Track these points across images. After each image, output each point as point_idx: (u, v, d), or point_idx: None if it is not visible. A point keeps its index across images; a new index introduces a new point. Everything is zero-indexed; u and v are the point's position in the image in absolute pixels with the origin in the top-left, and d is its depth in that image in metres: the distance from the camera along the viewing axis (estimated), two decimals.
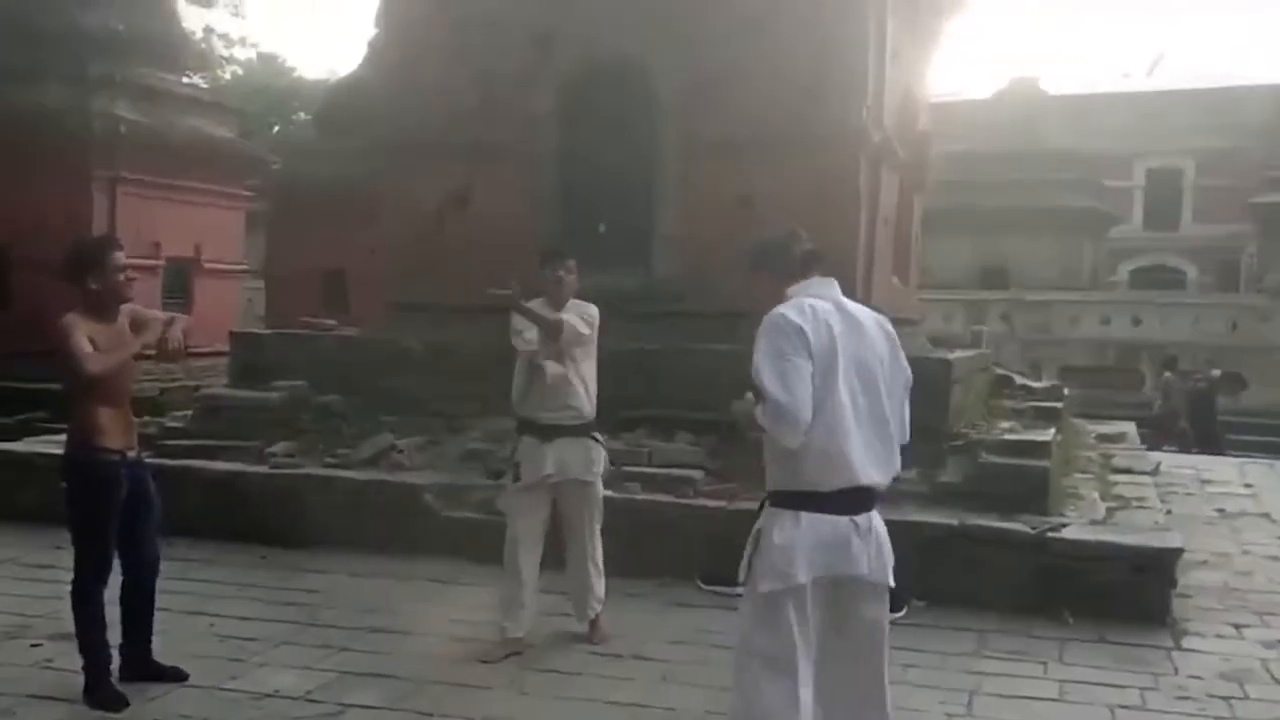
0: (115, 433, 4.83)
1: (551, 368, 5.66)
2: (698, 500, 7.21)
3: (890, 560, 3.54)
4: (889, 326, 3.70)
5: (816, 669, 3.47)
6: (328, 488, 7.84)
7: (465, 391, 8.78)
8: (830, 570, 3.43)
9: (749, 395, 3.55)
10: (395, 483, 7.80)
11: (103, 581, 4.88)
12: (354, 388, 9.11)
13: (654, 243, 9.23)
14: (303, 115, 35.68)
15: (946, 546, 6.66)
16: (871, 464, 3.47)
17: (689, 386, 8.06)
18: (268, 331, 11.47)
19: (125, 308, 4.92)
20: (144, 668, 5.04)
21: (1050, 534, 6.69)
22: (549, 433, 5.67)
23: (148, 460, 5.37)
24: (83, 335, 4.67)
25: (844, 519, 3.44)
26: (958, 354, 9.20)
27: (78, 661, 5.24)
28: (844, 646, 3.52)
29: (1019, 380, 11.39)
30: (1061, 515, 7.20)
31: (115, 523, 4.82)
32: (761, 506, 3.62)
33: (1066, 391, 11.77)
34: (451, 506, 7.61)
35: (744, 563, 3.55)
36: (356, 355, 9.40)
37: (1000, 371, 11.63)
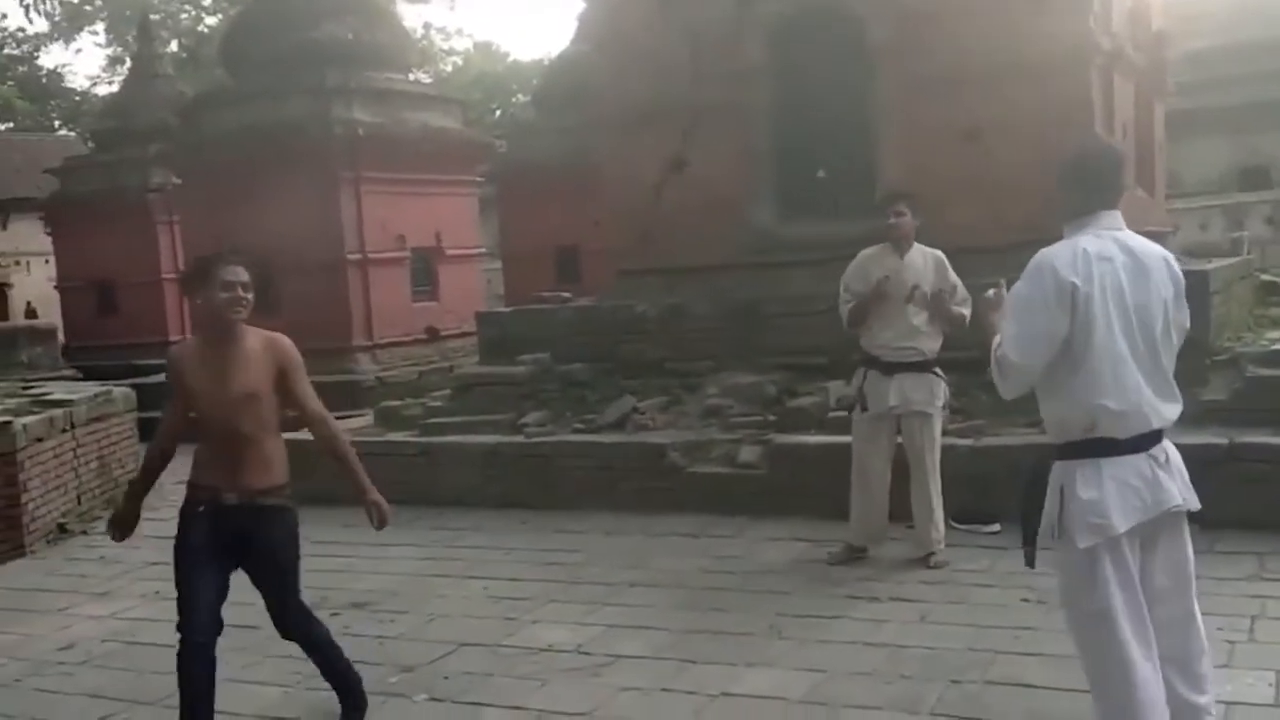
0: (208, 472, 4.19)
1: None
2: (945, 439, 7.08)
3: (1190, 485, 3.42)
4: (1177, 267, 3.48)
5: (1144, 614, 3.32)
6: (578, 453, 8.19)
7: (698, 350, 8.97)
8: (1146, 513, 3.31)
9: (1002, 283, 3.56)
10: (640, 443, 8.05)
11: (195, 634, 4.08)
12: (593, 355, 9.45)
13: (878, 186, 9.07)
14: (522, 97, 36.76)
15: (1217, 468, 6.30)
16: (1161, 406, 3.36)
17: None
18: (509, 309, 11.99)
19: (264, 340, 4.29)
20: None
21: None
22: (891, 368, 6.04)
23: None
24: (174, 384, 4.21)
25: (1142, 456, 3.33)
26: (1215, 264, 8.63)
27: (373, 628, 5.74)
28: (1163, 584, 3.38)
29: None
30: None
31: (198, 568, 4.11)
32: (1040, 460, 3.51)
33: None
34: (696, 462, 7.80)
35: (1049, 520, 3.38)
36: (592, 324, 9.72)
37: (1266, 278, 10.80)
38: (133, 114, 19.82)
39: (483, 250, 17.95)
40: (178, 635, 4.09)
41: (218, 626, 4.15)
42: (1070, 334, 3.25)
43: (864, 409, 6.21)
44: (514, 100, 39.84)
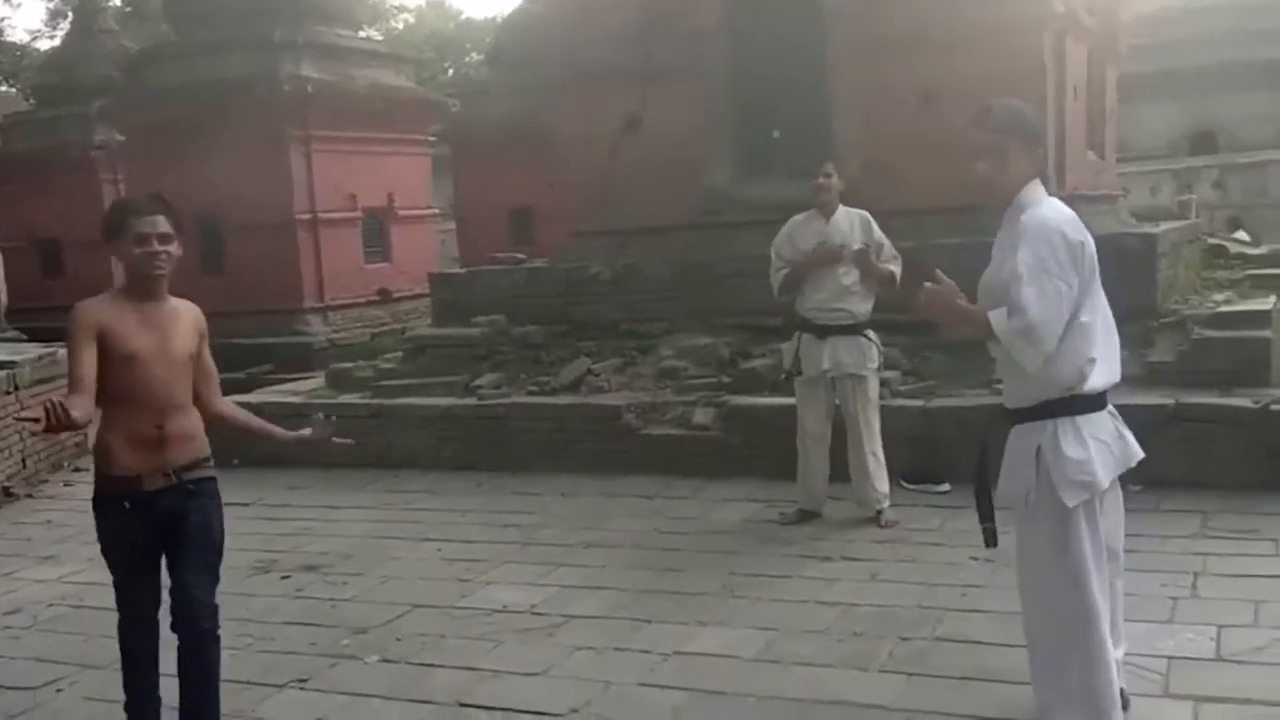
0: (130, 456, 3.67)
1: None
2: (895, 400, 7.14)
3: None
4: None
5: (1105, 572, 3.40)
6: (533, 414, 8.17)
7: (653, 311, 8.96)
8: (1117, 468, 3.38)
9: (929, 286, 3.39)
10: (595, 405, 8.05)
11: (134, 623, 3.86)
12: (548, 317, 9.42)
13: (832, 147, 9.06)
14: (475, 56, 36.35)
15: (1162, 428, 6.41)
16: (1118, 365, 3.44)
17: None
18: (462, 271, 11.90)
19: (186, 306, 3.81)
20: None
21: (1275, 406, 6.34)
22: (824, 331, 6.09)
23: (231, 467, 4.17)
24: (84, 344, 3.54)
25: (1106, 413, 3.40)
26: (1164, 226, 8.73)
27: (325, 591, 5.71)
28: (1109, 530, 3.46)
29: (1234, 249, 10.71)
30: None
31: (131, 559, 3.76)
32: (998, 420, 3.55)
33: None
34: (651, 424, 7.81)
35: (1024, 485, 3.36)
36: (547, 285, 9.67)
37: (1213, 241, 10.96)
38: (75, 69, 19.39)
39: (436, 211, 17.80)
40: (117, 612, 3.84)
41: (158, 605, 3.85)
42: (1076, 293, 3.25)
43: (799, 373, 6.27)
44: (467, 59, 39.38)
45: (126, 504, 3.69)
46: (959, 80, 8.28)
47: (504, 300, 9.72)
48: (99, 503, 3.76)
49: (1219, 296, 8.30)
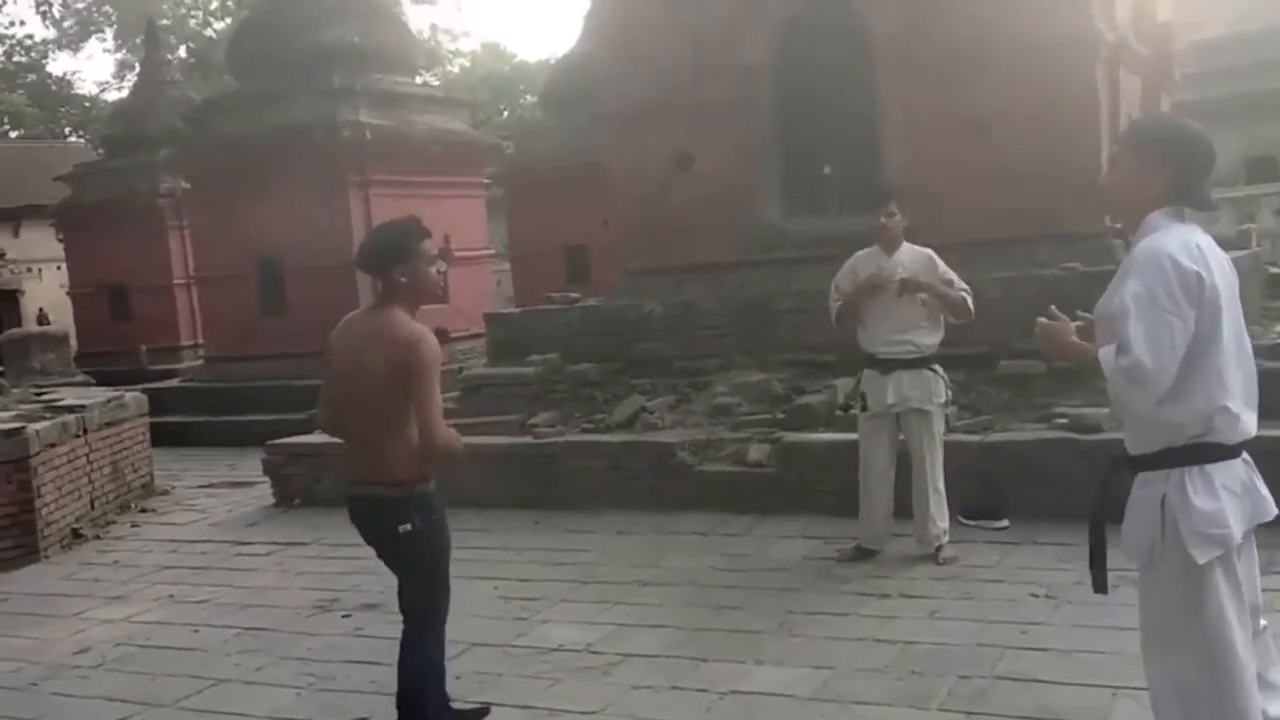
0: (347, 465, 4.15)
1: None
2: (953, 435, 7.09)
3: None
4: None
5: (1250, 632, 3.04)
6: (588, 452, 8.20)
7: (706, 348, 8.99)
8: (1251, 521, 3.02)
9: (1054, 310, 3.20)
10: (650, 443, 8.06)
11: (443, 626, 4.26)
12: (602, 355, 9.48)
13: (882, 180, 9.07)
14: (529, 98, 36.81)
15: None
16: (1251, 413, 3.06)
17: None
18: (517, 310, 12.02)
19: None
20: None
21: None
22: (890, 366, 6.06)
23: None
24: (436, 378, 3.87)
25: (1239, 461, 3.03)
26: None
27: (384, 630, 5.77)
28: (1247, 584, 3.08)
29: None
30: None
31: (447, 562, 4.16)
32: (1121, 468, 3.15)
33: None
34: (705, 461, 7.81)
35: (1149, 539, 3.00)
36: (601, 324, 9.74)
37: (1275, 270, 10.78)
38: (142, 119, 19.92)
39: (491, 252, 17.99)
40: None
41: None
42: (1196, 330, 2.93)
43: (864, 408, 6.23)
44: (521, 101, 39.90)
45: (435, 500, 4.00)
46: (1010, 108, 8.29)
47: (558, 339, 9.80)
48: (431, 500, 3.98)
49: None
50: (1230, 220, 19.28)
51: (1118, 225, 3.26)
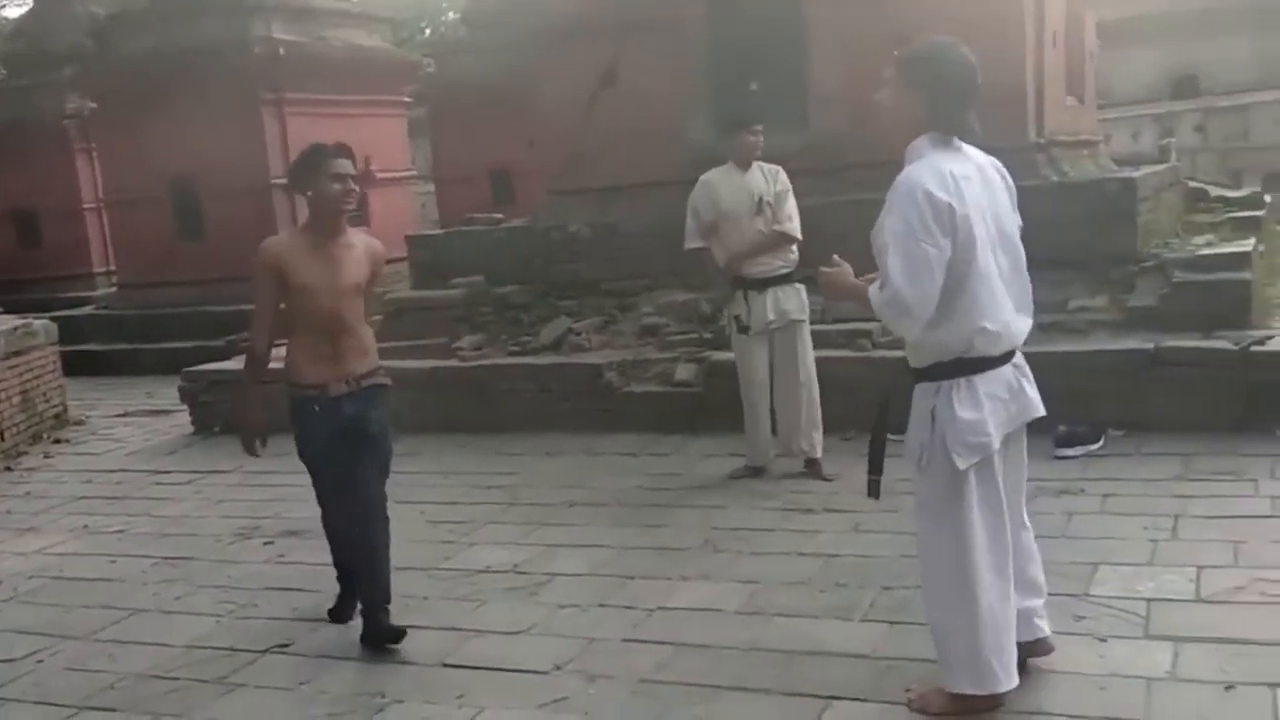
0: (314, 369, 4.36)
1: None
2: (876, 353, 7.12)
3: None
4: (1004, 171, 3.47)
5: (1006, 534, 3.36)
6: (515, 375, 8.13)
7: (633, 269, 8.90)
8: (1014, 423, 3.35)
9: (836, 258, 3.45)
10: (577, 364, 8.01)
11: (342, 511, 4.56)
12: (528, 277, 9.35)
13: (809, 98, 8.98)
14: (452, 15, 35.94)
15: (1143, 372, 6.42)
16: (1022, 322, 3.35)
17: (858, 240, 7.90)
18: (440, 232, 11.80)
19: (363, 240, 4.51)
20: (370, 626, 4.47)
21: (1255, 348, 6.34)
22: (763, 284, 6.16)
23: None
24: (263, 281, 4.35)
25: (1008, 367, 3.33)
26: (1144, 171, 8.69)
27: (307, 556, 5.69)
28: (1010, 482, 3.43)
29: (1215, 192, 10.68)
30: (1267, 328, 6.81)
31: (328, 456, 4.41)
32: (903, 378, 3.45)
33: (1268, 199, 10.96)
34: (633, 382, 7.78)
35: (920, 444, 3.33)
36: (526, 245, 9.59)
37: (1194, 184, 10.93)
38: (45, 36, 19.01)
39: (414, 173, 17.63)
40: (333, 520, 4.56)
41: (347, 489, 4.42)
42: (952, 257, 3.13)
43: (741, 329, 6.27)
44: (443, 18, 38.91)
45: (316, 408, 4.33)
46: (938, 26, 8.16)
47: (483, 261, 9.63)
48: (295, 410, 4.38)
49: (1199, 240, 8.28)
50: (1151, 136, 19.55)
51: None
